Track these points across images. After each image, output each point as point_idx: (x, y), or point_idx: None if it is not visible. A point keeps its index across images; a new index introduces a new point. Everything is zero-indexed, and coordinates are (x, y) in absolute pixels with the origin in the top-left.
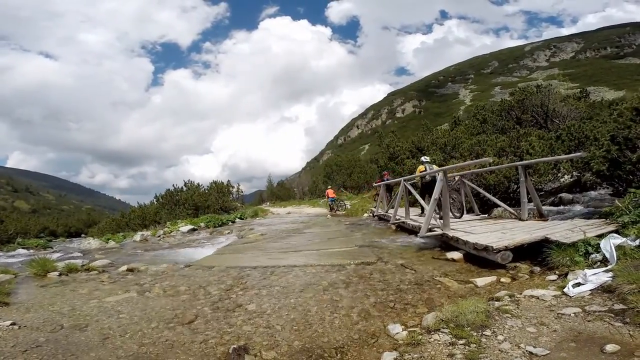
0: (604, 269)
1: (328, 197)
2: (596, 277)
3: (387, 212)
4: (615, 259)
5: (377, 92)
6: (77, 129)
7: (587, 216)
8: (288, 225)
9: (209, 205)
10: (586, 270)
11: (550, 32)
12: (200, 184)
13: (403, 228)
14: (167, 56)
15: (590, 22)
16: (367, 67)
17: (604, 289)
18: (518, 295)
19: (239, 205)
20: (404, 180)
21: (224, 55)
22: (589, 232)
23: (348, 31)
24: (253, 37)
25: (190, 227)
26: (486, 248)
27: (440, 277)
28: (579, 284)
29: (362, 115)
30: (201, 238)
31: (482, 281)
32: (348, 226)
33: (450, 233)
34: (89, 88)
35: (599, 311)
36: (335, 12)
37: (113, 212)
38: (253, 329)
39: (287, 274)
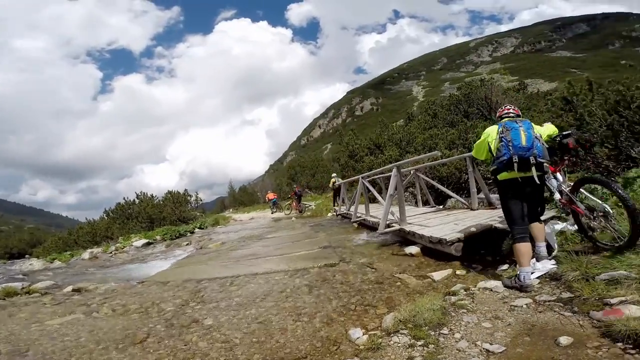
0: (549, 256)
1: (269, 199)
2: (542, 264)
3: (348, 210)
4: (556, 245)
5: (337, 91)
6: (13, 142)
7: None
8: (251, 232)
9: (164, 216)
10: (533, 259)
11: (491, 29)
12: (154, 195)
13: (364, 225)
14: (116, 62)
15: (525, 18)
16: (328, 67)
17: (551, 277)
18: (473, 288)
19: (198, 214)
20: (362, 177)
21: (179, 59)
22: None
23: (309, 32)
24: (209, 40)
25: (144, 241)
26: (440, 241)
27: (400, 273)
28: None
29: (324, 115)
30: (157, 252)
31: (438, 275)
32: (312, 227)
33: (407, 228)
34: (26, 96)
35: (549, 301)
36: (296, 14)
37: (60, 230)
38: (209, 344)
39: (248, 283)
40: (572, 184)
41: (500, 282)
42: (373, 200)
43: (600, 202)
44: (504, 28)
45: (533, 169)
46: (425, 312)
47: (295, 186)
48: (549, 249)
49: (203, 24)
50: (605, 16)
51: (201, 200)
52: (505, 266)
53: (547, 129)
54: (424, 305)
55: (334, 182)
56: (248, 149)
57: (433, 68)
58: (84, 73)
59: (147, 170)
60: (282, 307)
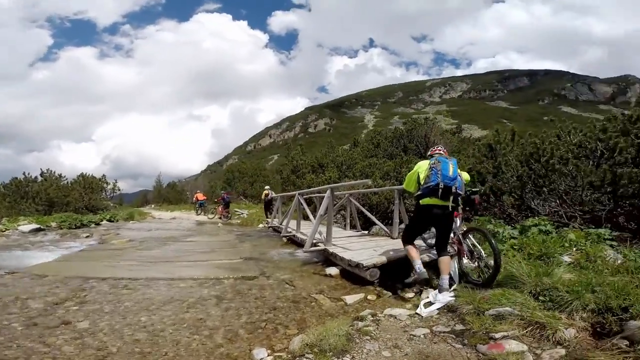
0: (450, 289)
1: (197, 200)
2: (442, 296)
3: (281, 224)
4: (458, 279)
5: (297, 105)
6: None
7: None
8: (168, 232)
9: (69, 202)
10: (436, 290)
11: (448, 72)
12: (62, 175)
13: (293, 241)
14: (74, 32)
15: (481, 66)
16: (293, 80)
17: (449, 309)
18: (379, 315)
19: (112, 205)
20: (299, 194)
21: (143, 40)
22: None
23: (285, 42)
24: (182, 28)
25: (35, 226)
26: (358, 265)
27: (316, 294)
28: (430, 303)
29: (277, 125)
30: (46, 240)
31: (351, 299)
32: (239, 236)
33: (331, 249)
34: None
35: (443, 332)
36: (278, 21)
37: None
38: (77, 350)
39: (147, 287)
40: (465, 229)
41: (404, 310)
42: (306, 217)
43: (479, 247)
44: (459, 73)
45: (451, 198)
46: (332, 337)
47: (223, 192)
48: (451, 281)
49: (182, 10)
50: (547, 72)
51: (119, 190)
52: (412, 294)
53: (464, 175)
54: (332, 330)
55: (266, 194)
56: (188, 144)
57: (388, 100)
58: (33, 38)
59: (65, 148)
60: (181, 318)
